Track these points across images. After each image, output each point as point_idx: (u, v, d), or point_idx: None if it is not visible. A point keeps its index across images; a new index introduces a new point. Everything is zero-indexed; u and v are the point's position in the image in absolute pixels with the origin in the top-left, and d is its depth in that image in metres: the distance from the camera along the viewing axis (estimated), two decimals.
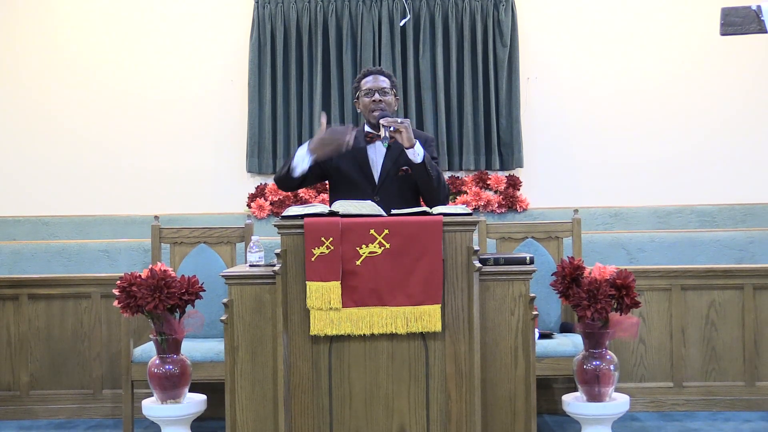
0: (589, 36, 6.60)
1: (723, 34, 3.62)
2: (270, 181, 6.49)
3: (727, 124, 6.52)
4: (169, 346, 3.68)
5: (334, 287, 3.23)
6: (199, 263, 4.51)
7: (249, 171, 6.51)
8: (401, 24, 6.48)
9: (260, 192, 6.48)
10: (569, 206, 5.95)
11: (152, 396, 3.74)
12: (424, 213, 3.36)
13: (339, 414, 3.28)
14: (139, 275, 3.67)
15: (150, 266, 3.70)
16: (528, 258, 3.41)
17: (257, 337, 3.32)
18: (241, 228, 4.63)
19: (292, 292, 3.28)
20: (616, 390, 3.71)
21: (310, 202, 6.06)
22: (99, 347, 4.83)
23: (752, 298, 4.75)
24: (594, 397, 3.65)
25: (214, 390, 4.05)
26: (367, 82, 4.01)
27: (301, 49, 6.52)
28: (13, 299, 4.83)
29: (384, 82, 4.01)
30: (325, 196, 5.87)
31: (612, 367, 3.65)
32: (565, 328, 4.45)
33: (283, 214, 3.36)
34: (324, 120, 3.86)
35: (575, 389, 3.76)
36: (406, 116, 6.44)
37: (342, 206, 3.36)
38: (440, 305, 3.24)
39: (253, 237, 3.64)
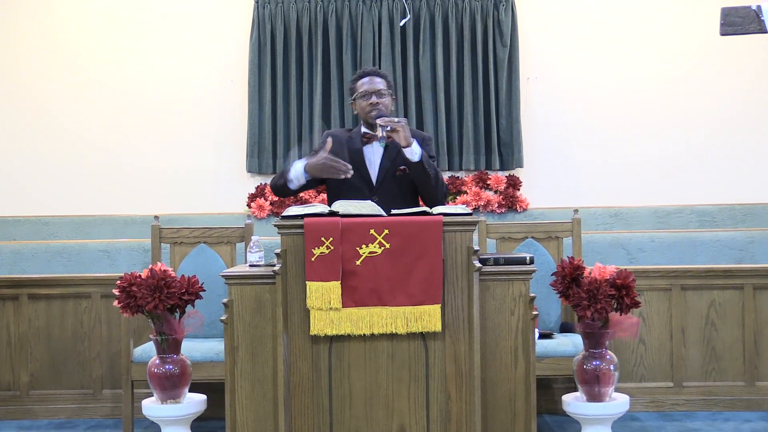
0: (589, 36, 6.60)
1: (723, 34, 3.62)
2: (269, 181, 6.48)
3: (727, 124, 6.52)
4: (169, 346, 3.68)
5: (334, 287, 3.23)
6: (199, 263, 4.51)
7: (249, 171, 6.51)
8: (401, 24, 6.48)
9: (260, 192, 6.48)
10: (569, 206, 5.95)
11: (152, 396, 3.74)
12: (424, 213, 3.36)
13: (339, 414, 3.28)
14: (139, 275, 3.67)
15: (150, 266, 3.70)
16: (528, 258, 3.41)
17: (257, 337, 3.32)
18: (241, 228, 4.63)
19: (292, 292, 3.28)
20: (616, 390, 3.71)
21: (310, 202, 6.06)
22: (99, 347, 4.82)
23: (752, 298, 4.75)
24: (594, 397, 3.65)
25: (214, 390, 4.05)
26: (363, 84, 4.00)
27: (301, 49, 6.53)
28: (13, 299, 4.83)
29: (380, 83, 4.00)
30: (325, 196, 5.87)
31: (612, 367, 3.65)
32: (565, 328, 4.45)
33: (283, 214, 3.36)
34: (329, 146, 3.82)
35: (575, 389, 3.76)
36: (405, 116, 6.44)
37: (342, 206, 3.36)
38: (440, 305, 3.24)
39: (253, 237, 3.63)
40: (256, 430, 3.32)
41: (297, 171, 3.86)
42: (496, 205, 6.42)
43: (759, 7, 3.54)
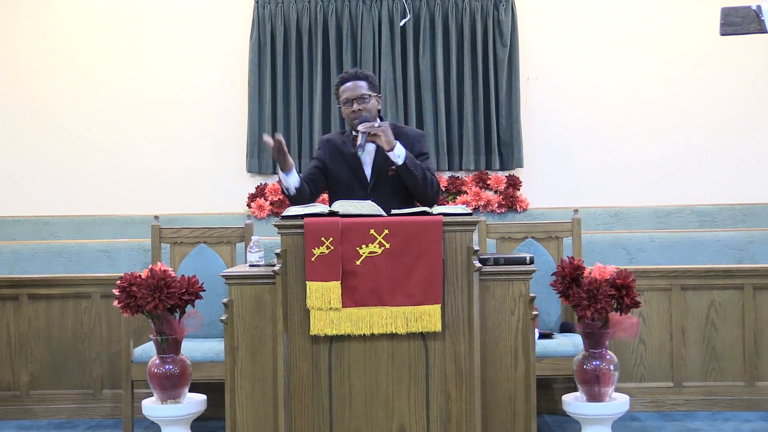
0: (589, 36, 6.60)
1: (723, 34, 3.62)
2: (270, 181, 6.49)
3: (727, 124, 6.52)
4: (169, 346, 3.68)
5: (334, 287, 3.23)
6: (199, 263, 4.51)
7: (249, 171, 6.51)
8: (401, 24, 6.48)
9: (260, 192, 6.48)
10: (569, 206, 5.95)
11: (152, 396, 3.74)
12: (424, 213, 3.36)
13: (339, 414, 3.28)
14: (139, 275, 3.67)
15: (150, 266, 3.70)
16: (528, 258, 3.41)
17: (257, 337, 3.32)
18: (241, 228, 4.63)
19: (292, 292, 3.28)
20: (616, 390, 3.71)
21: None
22: (99, 347, 4.83)
23: (752, 298, 4.75)
24: (594, 397, 3.65)
25: (214, 390, 4.05)
26: (346, 90, 3.97)
27: (301, 49, 6.53)
28: (13, 299, 4.83)
29: (362, 87, 3.96)
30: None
31: (612, 367, 3.65)
32: (565, 328, 4.45)
33: (283, 214, 3.36)
34: (269, 141, 3.78)
35: (575, 389, 3.76)
36: (405, 116, 6.45)
37: (342, 206, 3.37)
38: (440, 305, 3.24)
39: (253, 237, 3.64)
40: (256, 430, 3.32)
41: (282, 178, 3.88)
42: (496, 205, 6.42)
43: (759, 7, 3.54)
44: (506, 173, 6.51)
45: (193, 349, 4.15)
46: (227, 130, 6.57)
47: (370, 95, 3.96)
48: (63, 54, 6.59)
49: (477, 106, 6.48)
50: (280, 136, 3.74)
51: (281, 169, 3.86)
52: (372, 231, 3.25)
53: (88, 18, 6.62)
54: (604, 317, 3.61)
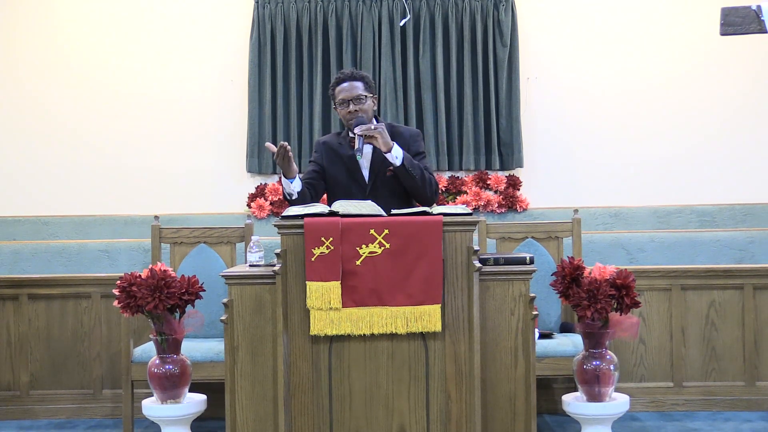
0: (589, 36, 6.59)
1: (723, 34, 3.62)
2: (270, 181, 6.49)
3: (727, 124, 6.52)
4: (169, 346, 3.68)
5: (334, 287, 3.23)
6: (199, 263, 4.51)
7: (249, 171, 6.51)
8: (401, 24, 6.48)
9: (260, 192, 6.48)
10: (569, 206, 5.95)
11: (152, 396, 3.74)
12: (424, 213, 3.36)
13: (339, 414, 3.28)
14: (139, 275, 3.67)
15: (150, 266, 3.70)
16: (528, 258, 3.41)
17: (257, 337, 3.32)
18: (241, 228, 4.63)
19: (292, 292, 3.28)
20: (616, 390, 3.71)
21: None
22: (99, 347, 4.83)
23: (752, 298, 4.75)
24: (594, 397, 3.65)
25: (214, 390, 4.05)
26: (341, 91, 3.96)
27: (301, 49, 6.53)
28: (13, 299, 4.83)
29: (358, 87, 3.95)
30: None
31: (612, 367, 3.65)
32: (565, 328, 4.45)
33: (283, 214, 3.36)
34: (271, 147, 3.80)
35: (575, 389, 3.76)
36: (405, 116, 6.45)
37: (342, 206, 3.37)
38: (440, 305, 3.24)
39: (253, 237, 3.64)
40: (256, 430, 3.32)
41: (284, 183, 3.88)
42: (496, 205, 6.42)
43: (759, 7, 3.54)
44: (506, 173, 6.51)
45: (193, 349, 4.15)
46: (227, 130, 6.58)
47: (366, 96, 3.96)
48: (63, 54, 6.59)
49: (477, 106, 6.48)
50: (285, 144, 3.73)
51: (284, 176, 3.85)
52: (372, 231, 3.25)
53: (88, 18, 6.62)
54: (604, 317, 3.61)
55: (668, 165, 6.50)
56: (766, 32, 3.54)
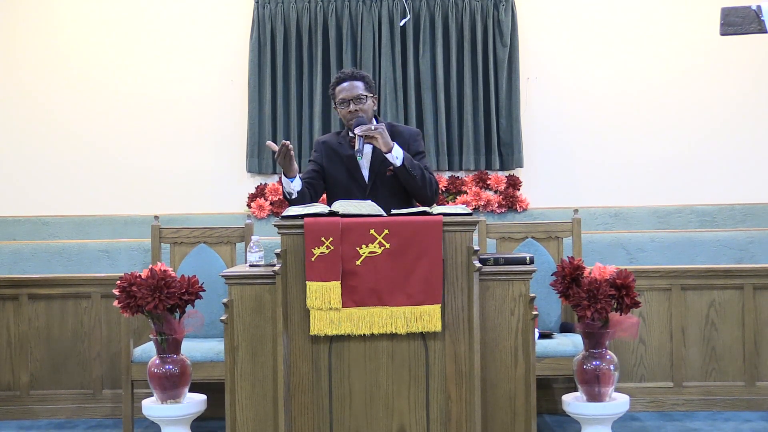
0: (589, 36, 6.60)
1: (723, 34, 3.62)
2: (270, 181, 6.49)
3: (727, 124, 6.52)
4: (169, 346, 3.68)
5: (334, 287, 3.23)
6: (199, 263, 4.51)
7: (249, 171, 6.51)
8: (401, 24, 6.48)
9: (260, 192, 6.48)
10: (569, 206, 5.95)
11: (152, 396, 3.74)
12: (424, 213, 3.36)
13: (339, 414, 3.28)
14: (139, 275, 3.67)
15: (150, 266, 3.70)
16: (528, 258, 3.41)
17: (257, 337, 3.32)
18: (241, 228, 4.63)
19: (292, 292, 3.28)
20: (616, 390, 3.71)
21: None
22: (99, 347, 4.83)
23: (752, 298, 4.75)
24: (594, 397, 3.65)
25: (214, 390, 4.05)
26: (342, 91, 3.96)
27: (301, 49, 6.53)
28: (13, 299, 4.83)
29: (359, 87, 3.95)
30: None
31: (612, 367, 3.65)
32: (565, 328, 4.45)
33: (283, 214, 3.36)
34: (273, 146, 3.80)
35: (575, 389, 3.76)
36: (405, 116, 6.45)
37: (342, 206, 3.36)
38: (440, 305, 3.24)
39: (253, 237, 3.64)
40: (256, 430, 3.32)
41: (284, 182, 3.88)
42: (496, 205, 6.42)
43: (759, 7, 3.54)
44: (506, 173, 6.51)
45: (193, 349, 4.15)
46: (227, 130, 6.58)
47: (366, 96, 3.96)
48: (63, 54, 6.59)
49: (477, 106, 6.48)
50: (288, 143, 3.73)
51: (285, 175, 3.85)
52: (372, 231, 3.25)
53: (88, 18, 6.62)
54: (604, 317, 3.61)
55: (668, 165, 6.50)
56: (766, 32, 3.54)
